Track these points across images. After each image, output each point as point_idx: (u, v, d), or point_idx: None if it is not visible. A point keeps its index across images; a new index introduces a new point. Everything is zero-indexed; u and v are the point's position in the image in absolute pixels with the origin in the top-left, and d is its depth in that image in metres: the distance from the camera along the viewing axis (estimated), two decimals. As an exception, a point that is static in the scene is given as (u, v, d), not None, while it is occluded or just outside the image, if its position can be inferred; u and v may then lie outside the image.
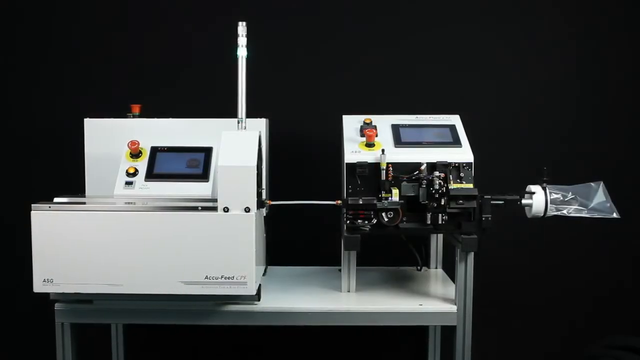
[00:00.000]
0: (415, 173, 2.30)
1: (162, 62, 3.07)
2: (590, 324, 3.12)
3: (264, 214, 2.50)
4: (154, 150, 2.52)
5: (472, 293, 2.30)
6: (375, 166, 2.31)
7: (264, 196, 2.37)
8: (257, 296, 2.28)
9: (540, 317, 3.14)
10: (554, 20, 3.07)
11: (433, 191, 2.26)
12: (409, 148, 2.39)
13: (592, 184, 2.36)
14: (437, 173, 2.27)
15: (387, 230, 2.30)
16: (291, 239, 2.99)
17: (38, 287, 2.16)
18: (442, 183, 2.26)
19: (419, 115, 2.58)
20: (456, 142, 2.41)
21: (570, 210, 2.32)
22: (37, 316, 2.83)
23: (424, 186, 2.27)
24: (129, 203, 2.24)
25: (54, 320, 2.30)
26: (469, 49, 3.06)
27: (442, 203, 2.25)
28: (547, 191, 2.34)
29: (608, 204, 2.33)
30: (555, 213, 2.33)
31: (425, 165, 2.30)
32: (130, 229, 2.13)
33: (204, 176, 2.45)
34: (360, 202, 2.27)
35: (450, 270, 2.66)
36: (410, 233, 2.57)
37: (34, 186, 3.03)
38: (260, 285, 2.32)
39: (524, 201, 2.35)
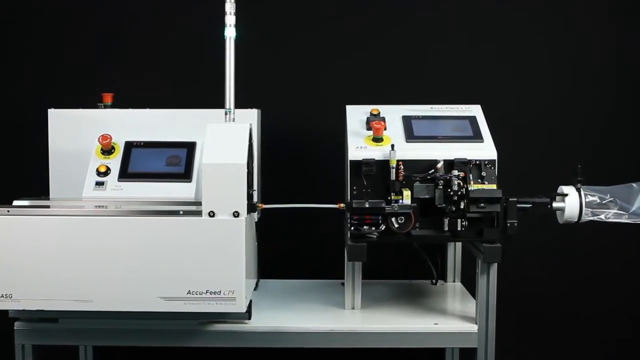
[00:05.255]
0: (430, 172, 2.30)
1: (138, 44, 3.06)
2: (633, 342, 3.12)
3: (256, 219, 2.50)
4: (129, 146, 2.53)
5: (495, 310, 2.30)
6: (384, 164, 2.30)
7: (255, 199, 2.37)
8: (248, 314, 2.28)
9: (572, 336, 3.14)
10: (591, 3, 3.06)
11: (451, 193, 2.25)
12: (423, 143, 2.39)
13: (633, 184, 2.35)
14: (455, 172, 2.27)
15: (397, 237, 2.29)
16: (287, 248, 3.01)
17: (-6, 303, 2.17)
18: (461, 183, 2.26)
19: (434, 106, 2.59)
20: (477, 137, 2.41)
21: (609, 215, 2.32)
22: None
23: (441, 187, 2.28)
24: (99, 207, 2.25)
25: (13, 341, 2.29)
26: (492, 30, 3.06)
27: (461, 207, 2.25)
28: (582, 193, 2.33)
29: (652, 208, 2.34)
30: (591, 218, 2.33)
31: (441, 163, 2.30)
32: (101, 237, 2.12)
33: (186, 176, 2.46)
34: (367, 206, 2.26)
35: (470, 284, 2.65)
36: (424, 241, 2.57)
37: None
38: (251, 301, 2.32)
39: (555, 204, 2.35)
